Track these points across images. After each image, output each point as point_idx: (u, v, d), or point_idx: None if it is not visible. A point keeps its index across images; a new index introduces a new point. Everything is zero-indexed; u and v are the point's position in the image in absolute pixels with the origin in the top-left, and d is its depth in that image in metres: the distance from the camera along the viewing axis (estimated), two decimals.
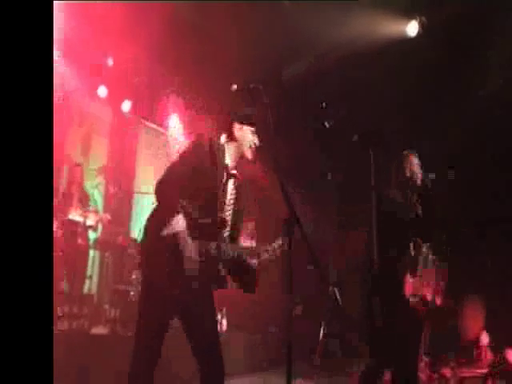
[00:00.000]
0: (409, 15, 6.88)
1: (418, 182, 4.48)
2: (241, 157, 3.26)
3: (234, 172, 3.25)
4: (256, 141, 3.23)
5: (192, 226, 2.91)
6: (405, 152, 4.58)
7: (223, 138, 3.26)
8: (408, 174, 4.49)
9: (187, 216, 2.90)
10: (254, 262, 3.12)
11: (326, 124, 5.44)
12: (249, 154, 3.24)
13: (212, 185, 3.08)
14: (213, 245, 3.02)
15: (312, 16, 6.63)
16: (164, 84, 8.46)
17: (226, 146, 3.22)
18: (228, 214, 3.18)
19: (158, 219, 2.95)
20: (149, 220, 3.02)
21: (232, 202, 3.21)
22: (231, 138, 3.22)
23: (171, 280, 2.87)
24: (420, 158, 4.45)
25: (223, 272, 3.12)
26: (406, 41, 6.91)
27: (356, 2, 6.37)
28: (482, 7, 6.35)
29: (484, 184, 6.98)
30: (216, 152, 3.13)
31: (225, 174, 3.17)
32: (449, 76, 6.95)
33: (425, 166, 4.44)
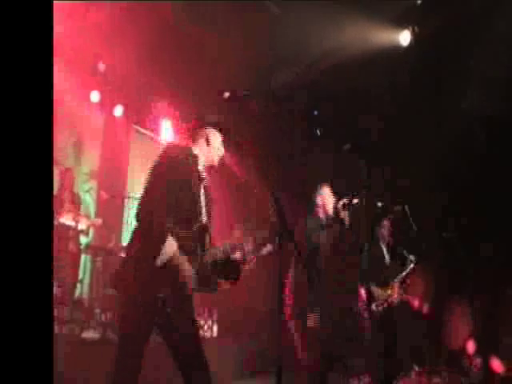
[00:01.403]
0: (401, 24, 6.92)
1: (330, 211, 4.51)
2: (209, 164, 3.25)
3: (204, 176, 3.22)
4: (222, 150, 3.24)
5: (180, 244, 2.88)
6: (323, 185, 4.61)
7: (197, 143, 3.22)
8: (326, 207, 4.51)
9: (175, 236, 2.85)
10: (239, 255, 3.13)
11: (318, 132, 5.48)
12: (216, 161, 3.25)
13: (190, 193, 3.04)
14: (201, 252, 3.01)
15: (303, 23, 6.64)
16: (156, 89, 8.46)
17: (198, 150, 3.19)
18: (205, 218, 3.14)
19: (146, 244, 2.86)
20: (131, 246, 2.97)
21: (205, 205, 3.18)
22: (206, 142, 3.20)
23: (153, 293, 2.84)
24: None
25: (213, 275, 3.11)
26: (399, 49, 6.95)
27: (349, 9, 6.38)
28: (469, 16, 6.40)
29: (471, 191, 6.98)
30: (189, 158, 3.10)
31: (198, 179, 3.14)
32: (437, 85, 7.00)
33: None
